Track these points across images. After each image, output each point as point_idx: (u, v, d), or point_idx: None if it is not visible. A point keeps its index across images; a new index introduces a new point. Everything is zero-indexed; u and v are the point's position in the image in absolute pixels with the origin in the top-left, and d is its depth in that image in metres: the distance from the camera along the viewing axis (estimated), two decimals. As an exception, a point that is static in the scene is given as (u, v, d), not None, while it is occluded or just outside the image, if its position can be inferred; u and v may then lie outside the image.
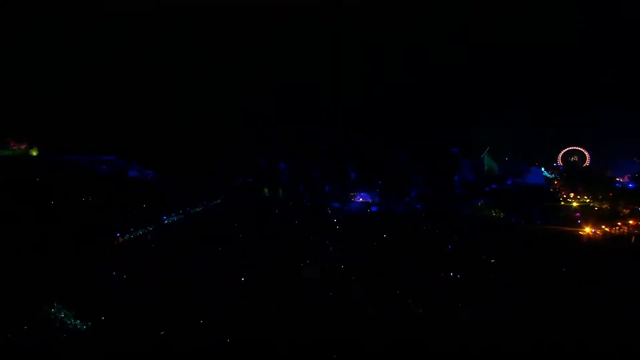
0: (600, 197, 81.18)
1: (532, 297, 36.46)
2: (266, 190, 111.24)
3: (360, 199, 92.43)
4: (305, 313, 39.31)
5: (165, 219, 74.94)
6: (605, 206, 75.84)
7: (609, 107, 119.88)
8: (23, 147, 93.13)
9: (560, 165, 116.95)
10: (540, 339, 32.96)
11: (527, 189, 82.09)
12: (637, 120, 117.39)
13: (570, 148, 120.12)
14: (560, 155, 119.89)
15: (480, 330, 32.51)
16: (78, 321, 35.27)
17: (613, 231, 61.05)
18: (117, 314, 36.95)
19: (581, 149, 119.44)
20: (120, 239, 60.75)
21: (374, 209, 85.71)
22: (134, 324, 35.66)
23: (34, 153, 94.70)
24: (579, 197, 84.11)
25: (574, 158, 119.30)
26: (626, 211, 69.32)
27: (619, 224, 63.75)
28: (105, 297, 39.20)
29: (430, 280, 41.14)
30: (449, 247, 53.17)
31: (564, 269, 42.51)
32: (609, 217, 67.61)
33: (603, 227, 63.17)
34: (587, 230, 63.29)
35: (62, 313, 36.13)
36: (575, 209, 77.05)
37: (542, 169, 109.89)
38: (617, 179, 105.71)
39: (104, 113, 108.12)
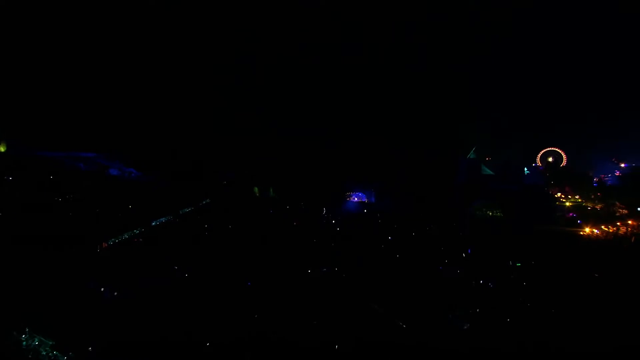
0: (593, 196, 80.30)
1: (578, 305, 32.11)
2: (256, 189, 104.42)
3: (356, 199, 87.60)
4: (325, 329, 33.38)
5: (153, 221, 66.67)
6: (599, 206, 74.56)
7: (585, 109, 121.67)
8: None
9: (539, 166, 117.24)
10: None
11: (526, 189, 79.63)
12: (612, 121, 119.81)
13: (547, 149, 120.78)
14: (539, 156, 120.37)
15: (537, 345, 27.59)
16: (56, 352, 27.72)
17: (618, 231, 58.62)
18: (105, 339, 29.65)
19: (558, 150, 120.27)
20: (104, 244, 52.50)
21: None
22: (127, 353, 28.60)
23: (2, 149, 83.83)
24: (569, 196, 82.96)
25: (552, 159, 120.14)
26: (623, 211, 67.97)
27: (618, 223, 61.76)
28: (90, 318, 31.66)
29: (463, 290, 35.97)
30: (468, 251, 48.52)
31: (596, 275, 38.85)
32: (607, 217, 65.81)
33: (603, 227, 60.97)
34: (587, 230, 60.93)
35: (36, 341, 28.51)
36: (569, 209, 75.48)
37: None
38: (600, 178, 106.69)
39: (82, 106, 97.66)
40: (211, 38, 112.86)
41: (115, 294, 33.64)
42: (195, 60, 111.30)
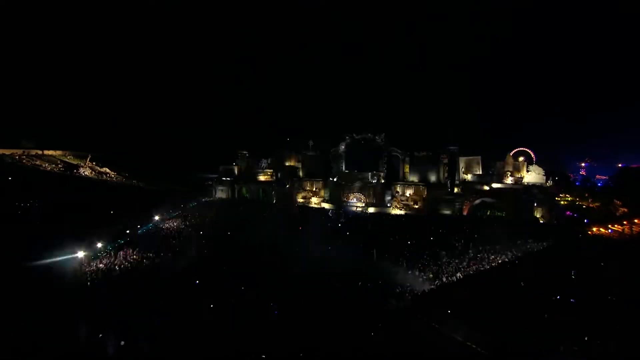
0: (587, 194, 79.23)
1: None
2: (245, 190, 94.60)
3: (355, 200, 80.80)
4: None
5: (140, 229, 55.41)
6: (595, 205, 73.24)
7: (555, 110, 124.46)
8: None
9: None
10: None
11: (527, 187, 76.85)
12: (582, 122, 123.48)
13: (518, 149, 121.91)
14: (511, 155, 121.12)
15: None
16: None
17: (632, 231, 55.96)
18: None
19: (527, 150, 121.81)
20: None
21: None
22: None
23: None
24: (561, 195, 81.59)
25: (522, 158, 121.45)
26: (623, 209, 66.63)
27: (625, 222, 59.60)
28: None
29: (548, 311, 28.51)
30: (516, 261, 42.70)
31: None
32: (609, 216, 63.83)
33: (610, 226, 58.51)
34: (594, 229, 58.23)
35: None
36: (565, 207, 73.69)
37: None
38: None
39: (45, 97, 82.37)
40: (205, 36, 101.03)
41: (122, 342, 22.97)
42: (184, 58, 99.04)
